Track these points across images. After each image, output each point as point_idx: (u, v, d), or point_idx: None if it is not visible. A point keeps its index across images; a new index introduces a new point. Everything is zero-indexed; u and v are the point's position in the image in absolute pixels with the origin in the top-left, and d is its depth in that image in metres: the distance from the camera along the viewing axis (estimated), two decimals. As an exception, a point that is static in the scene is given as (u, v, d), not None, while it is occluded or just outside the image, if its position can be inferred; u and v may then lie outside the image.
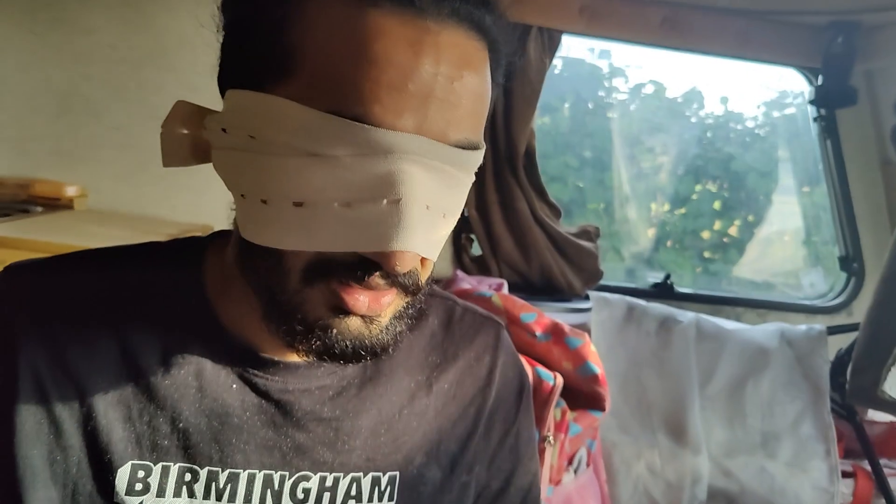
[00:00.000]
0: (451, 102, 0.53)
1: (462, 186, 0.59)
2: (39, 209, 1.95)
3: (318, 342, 0.57)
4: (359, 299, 0.56)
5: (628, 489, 1.71)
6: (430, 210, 0.54)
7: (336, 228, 0.53)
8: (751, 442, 1.76)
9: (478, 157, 0.59)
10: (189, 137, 0.60)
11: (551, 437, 1.48)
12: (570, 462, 1.55)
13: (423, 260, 0.59)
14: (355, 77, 0.51)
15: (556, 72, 2.48)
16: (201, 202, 1.92)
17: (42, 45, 2.03)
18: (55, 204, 2.01)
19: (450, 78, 0.53)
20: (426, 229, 0.54)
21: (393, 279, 0.56)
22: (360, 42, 0.51)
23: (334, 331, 0.57)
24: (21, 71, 2.05)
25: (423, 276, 0.60)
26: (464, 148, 0.56)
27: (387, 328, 0.60)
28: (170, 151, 0.61)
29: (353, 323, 0.57)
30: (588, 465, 1.59)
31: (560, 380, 1.48)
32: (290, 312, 0.57)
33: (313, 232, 0.53)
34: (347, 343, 0.57)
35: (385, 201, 0.52)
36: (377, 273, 0.55)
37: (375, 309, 0.57)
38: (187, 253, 0.70)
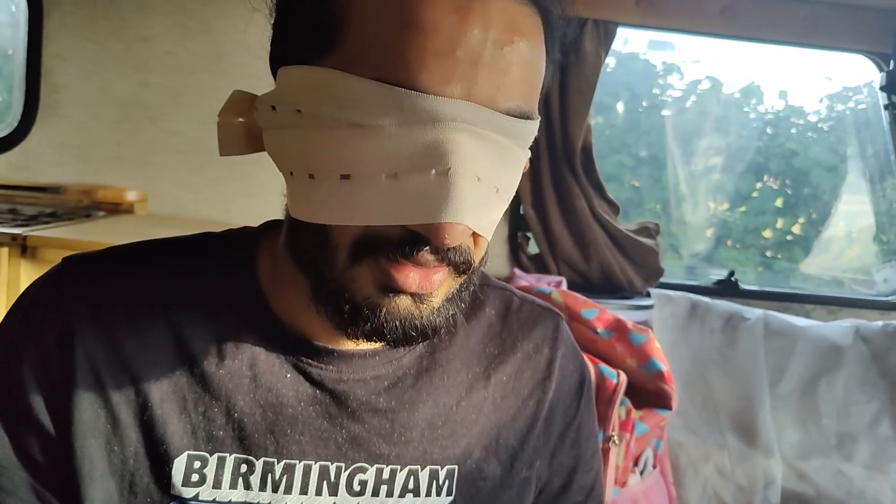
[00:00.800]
0: (500, 68, 0.52)
1: (516, 161, 0.57)
2: (101, 213, 1.99)
3: (366, 323, 0.56)
4: (408, 276, 0.54)
5: (696, 492, 1.65)
6: (481, 182, 0.52)
7: (383, 202, 0.52)
8: (826, 443, 1.68)
9: (531, 128, 0.57)
10: (243, 126, 0.60)
11: (616, 437, 1.44)
12: (635, 463, 1.51)
13: (476, 238, 0.57)
14: (401, 44, 0.50)
15: (609, 70, 2.44)
16: (258, 206, 1.93)
17: (102, 54, 2.08)
18: (117, 209, 2.05)
19: (499, 43, 0.51)
20: (477, 203, 0.52)
21: (443, 255, 0.54)
22: (405, 8, 0.50)
23: (383, 310, 0.55)
24: (82, 79, 2.10)
25: (477, 256, 0.58)
26: (516, 116, 0.54)
27: (438, 310, 0.58)
28: (226, 140, 0.61)
29: (403, 302, 0.56)
30: (654, 466, 1.54)
31: (624, 377, 1.44)
32: (338, 292, 0.56)
33: (360, 206, 0.52)
34: (397, 324, 0.56)
35: (433, 172, 0.51)
36: (426, 248, 0.53)
37: (426, 287, 0.55)
38: (239, 242, 0.69)
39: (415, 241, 0.53)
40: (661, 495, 1.56)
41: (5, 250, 1.58)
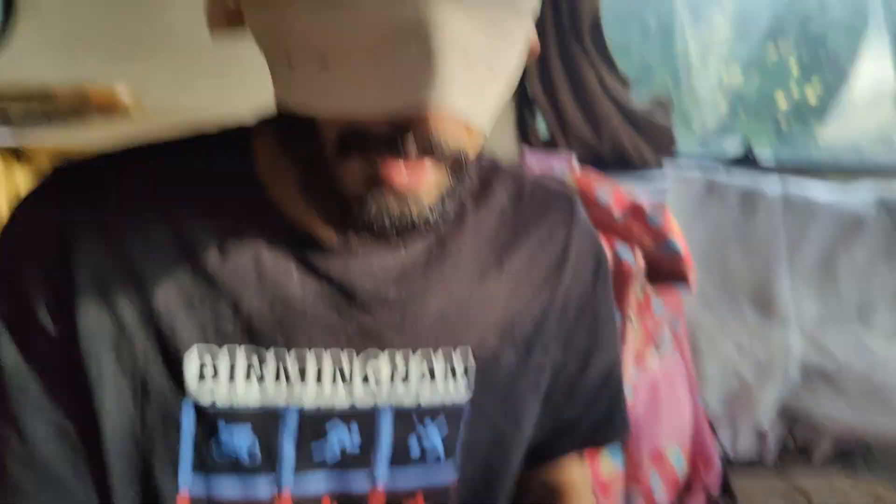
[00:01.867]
0: None
1: (511, 34, 0.52)
2: (94, 116, 1.92)
3: (356, 219, 0.54)
4: (397, 172, 0.52)
5: (716, 369, 1.65)
6: (468, 58, 0.48)
7: (364, 87, 0.49)
8: (846, 315, 1.66)
9: None
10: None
11: (634, 317, 1.42)
12: (654, 344, 1.49)
13: (470, 130, 0.53)
14: None
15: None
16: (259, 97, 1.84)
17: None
18: (110, 110, 1.97)
19: None
20: (466, 83, 0.48)
21: (433, 147, 0.51)
22: None
23: (373, 207, 0.53)
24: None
25: (471, 148, 0.55)
26: None
27: (431, 206, 0.55)
28: (212, 18, 0.59)
29: (393, 198, 0.53)
30: (673, 346, 1.52)
31: (641, 258, 1.42)
32: (328, 186, 0.54)
33: (340, 93, 0.50)
34: (387, 220, 0.54)
35: (414, 49, 0.47)
36: (413, 140, 0.50)
37: (415, 183, 0.53)
38: (236, 137, 0.67)
39: (402, 133, 0.50)
40: (681, 376, 1.55)
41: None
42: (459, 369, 0.69)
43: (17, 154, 1.57)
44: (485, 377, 0.70)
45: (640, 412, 1.48)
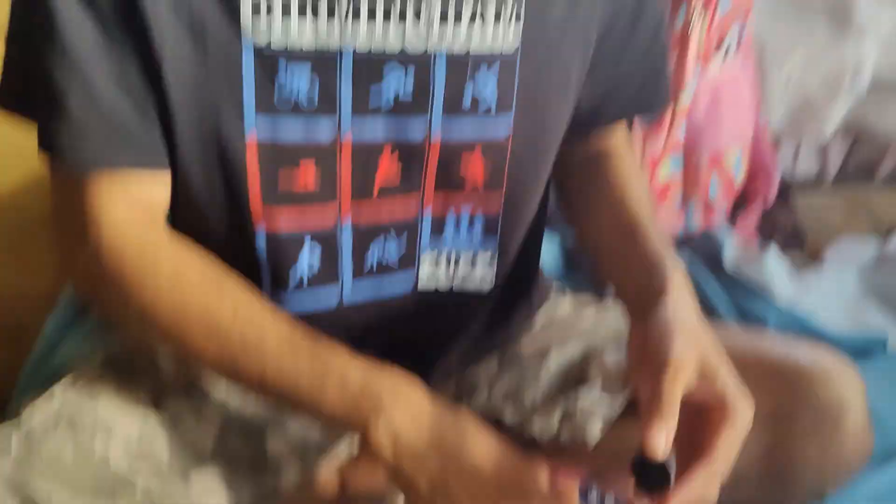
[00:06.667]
0: None
1: None
2: None
3: None
4: None
5: (781, 84, 1.61)
6: None
7: None
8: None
9: None
10: None
11: (698, 14, 1.39)
12: (718, 45, 1.46)
13: None
14: None
15: None
16: None
17: None
18: None
19: None
20: None
21: None
22: None
23: None
24: None
25: None
26: None
27: None
28: None
29: None
30: (738, 50, 1.49)
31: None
32: None
33: None
34: None
35: None
36: None
37: None
38: None
39: None
40: (745, 82, 1.52)
41: None
42: (508, 14, 0.68)
43: None
44: (534, 27, 0.70)
45: (700, 116, 1.47)
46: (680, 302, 0.67)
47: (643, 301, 0.69)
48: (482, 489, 0.58)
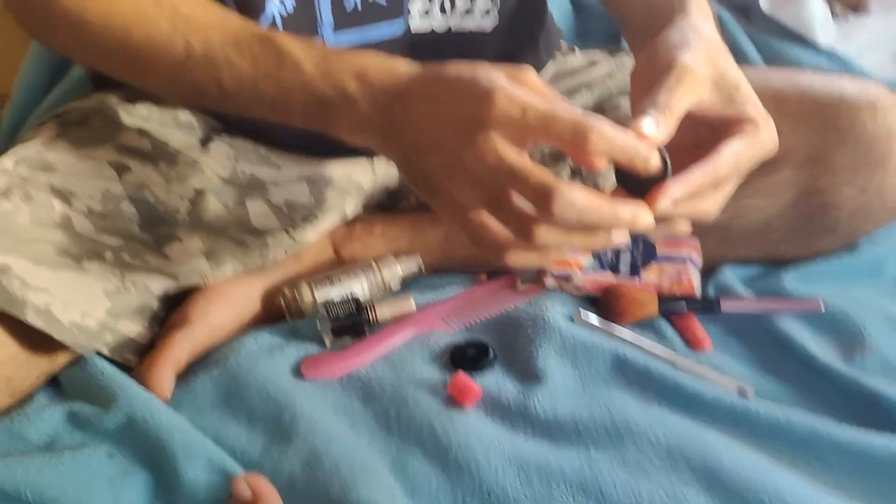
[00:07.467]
0: None
1: None
2: None
3: None
4: None
5: None
6: None
7: None
8: None
9: None
10: None
11: None
12: None
13: None
14: None
15: None
16: None
17: None
18: None
19: None
20: None
21: None
22: None
23: None
24: None
25: None
26: None
27: None
28: None
29: None
30: None
31: None
32: None
33: None
34: None
35: None
36: None
37: None
38: None
39: None
40: None
41: None
42: None
43: None
44: None
45: None
46: (699, 20, 0.55)
47: (654, 20, 0.58)
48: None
